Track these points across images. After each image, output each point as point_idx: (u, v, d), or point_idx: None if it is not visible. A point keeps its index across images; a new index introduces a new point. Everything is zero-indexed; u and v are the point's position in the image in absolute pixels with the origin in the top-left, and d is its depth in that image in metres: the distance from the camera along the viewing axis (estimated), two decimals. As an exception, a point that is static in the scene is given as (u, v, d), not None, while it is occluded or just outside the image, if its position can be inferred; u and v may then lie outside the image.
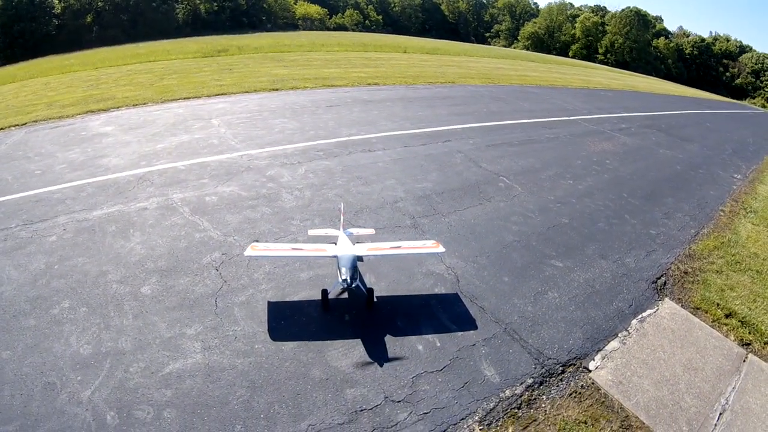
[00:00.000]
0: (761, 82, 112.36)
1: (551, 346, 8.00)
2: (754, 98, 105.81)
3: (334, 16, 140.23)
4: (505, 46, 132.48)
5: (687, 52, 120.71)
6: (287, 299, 8.27)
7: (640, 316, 9.13)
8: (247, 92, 24.30)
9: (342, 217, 9.83)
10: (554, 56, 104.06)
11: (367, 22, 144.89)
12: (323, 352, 7.20)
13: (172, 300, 7.97)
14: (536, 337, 8.14)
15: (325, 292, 7.96)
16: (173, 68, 34.28)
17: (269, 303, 8.10)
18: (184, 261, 9.04)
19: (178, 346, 7.03)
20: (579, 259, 10.65)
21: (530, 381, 7.23)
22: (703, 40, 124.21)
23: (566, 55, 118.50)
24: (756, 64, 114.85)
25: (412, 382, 6.84)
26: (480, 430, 6.40)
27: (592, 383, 7.47)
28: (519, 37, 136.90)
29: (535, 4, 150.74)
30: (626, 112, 30.45)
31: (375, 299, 8.26)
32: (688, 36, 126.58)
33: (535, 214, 12.48)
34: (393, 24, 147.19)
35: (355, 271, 7.42)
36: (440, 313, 8.33)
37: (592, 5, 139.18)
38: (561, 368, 7.61)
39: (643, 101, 38.98)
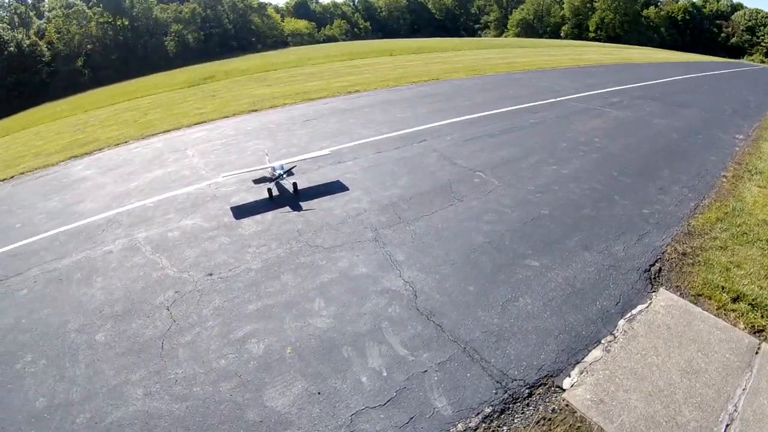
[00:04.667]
0: (757, 37, 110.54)
1: (518, 364, 6.93)
2: (752, 55, 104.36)
3: (323, 28, 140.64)
4: (495, 36, 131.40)
5: (679, 18, 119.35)
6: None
7: (628, 315, 8.04)
8: (226, 117, 23.91)
9: (267, 158, 14.01)
10: (545, 40, 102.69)
11: (356, 30, 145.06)
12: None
13: (122, 345, 7.66)
14: (500, 355, 7.09)
15: (270, 190, 12.47)
16: (159, 102, 34.27)
17: None
18: (138, 303, 8.73)
19: (122, 393, 6.72)
20: (558, 255, 9.57)
21: (489, 410, 6.20)
22: (693, 4, 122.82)
23: (558, 37, 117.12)
24: (749, 20, 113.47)
25: (350, 420, 6.05)
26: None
27: (566, 405, 6.36)
28: (508, 26, 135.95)
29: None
30: (618, 85, 29.19)
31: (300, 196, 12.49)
32: (677, 2, 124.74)
33: (511, 208, 11.44)
34: (382, 29, 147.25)
35: (284, 172, 12.00)
36: (391, 336, 7.43)
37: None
38: (528, 391, 6.53)
39: (636, 73, 37.59)
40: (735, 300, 8.38)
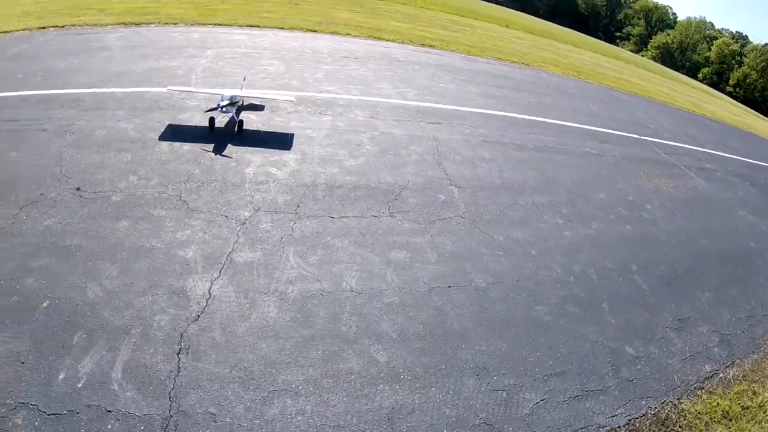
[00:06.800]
0: None
1: None
2: None
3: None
4: (633, 51, 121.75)
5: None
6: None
7: None
8: (281, 29, 21.84)
9: (244, 82, 12.45)
10: (678, 74, 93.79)
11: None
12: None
13: None
14: None
15: (211, 120, 10.60)
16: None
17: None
18: None
19: None
20: (409, 385, 5.79)
21: None
22: None
23: (695, 77, 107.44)
24: None
25: None
26: None
27: None
28: (649, 46, 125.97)
29: (674, 14, 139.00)
30: (723, 151, 23.72)
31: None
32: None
33: (442, 257, 7.75)
34: (522, 0, 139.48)
35: (228, 104, 10.11)
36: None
37: (734, 31, 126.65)
38: None
39: (754, 145, 31.42)
40: None
